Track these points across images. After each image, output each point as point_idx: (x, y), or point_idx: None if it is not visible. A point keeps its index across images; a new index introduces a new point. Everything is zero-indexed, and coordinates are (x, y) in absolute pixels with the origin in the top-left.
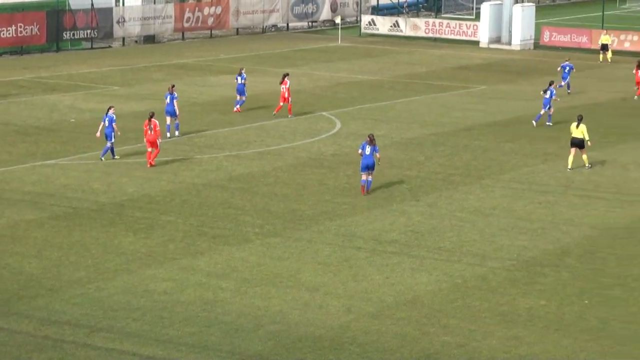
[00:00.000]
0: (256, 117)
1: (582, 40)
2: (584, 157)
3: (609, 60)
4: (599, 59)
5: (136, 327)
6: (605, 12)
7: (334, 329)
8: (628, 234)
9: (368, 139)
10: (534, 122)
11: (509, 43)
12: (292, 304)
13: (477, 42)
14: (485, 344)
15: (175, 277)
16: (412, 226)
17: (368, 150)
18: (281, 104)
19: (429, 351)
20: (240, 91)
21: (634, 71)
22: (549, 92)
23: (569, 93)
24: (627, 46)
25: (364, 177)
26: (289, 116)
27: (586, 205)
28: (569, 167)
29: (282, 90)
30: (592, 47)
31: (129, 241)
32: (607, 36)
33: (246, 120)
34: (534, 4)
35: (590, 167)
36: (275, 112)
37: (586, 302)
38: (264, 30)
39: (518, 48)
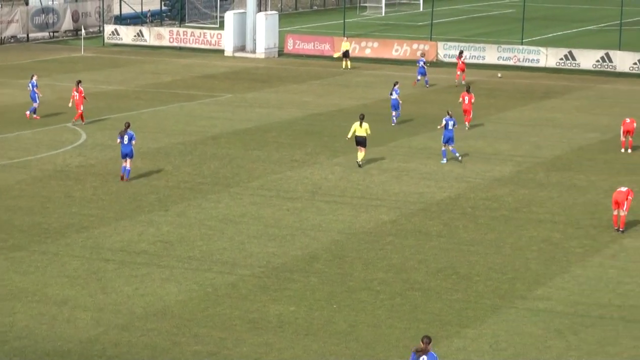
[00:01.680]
0: None
1: (324, 47)
2: (362, 154)
3: (349, 67)
4: (342, 65)
5: None
6: (346, 20)
7: (82, 342)
8: (373, 238)
9: (124, 128)
10: (393, 124)
11: (254, 51)
12: (39, 319)
13: (222, 51)
14: (236, 351)
15: None
16: (161, 236)
17: (126, 139)
18: (79, 111)
19: None
20: (33, 98)
21: (456, 59)
22: (394, 93)
23: (427, 86)
24: (368, 53)
25: (123, 164)
26: (81, 123)
27: (333, 210)
28: (358, 160)
29: (75, 98)
30: (335, 54)
31: None
32: (348, 43)
33: None
34: (277, 12)
35: (361, 165)
36: (74, 119)
37: (335, 306)
38: (2, 42)
39: (263, 56)
